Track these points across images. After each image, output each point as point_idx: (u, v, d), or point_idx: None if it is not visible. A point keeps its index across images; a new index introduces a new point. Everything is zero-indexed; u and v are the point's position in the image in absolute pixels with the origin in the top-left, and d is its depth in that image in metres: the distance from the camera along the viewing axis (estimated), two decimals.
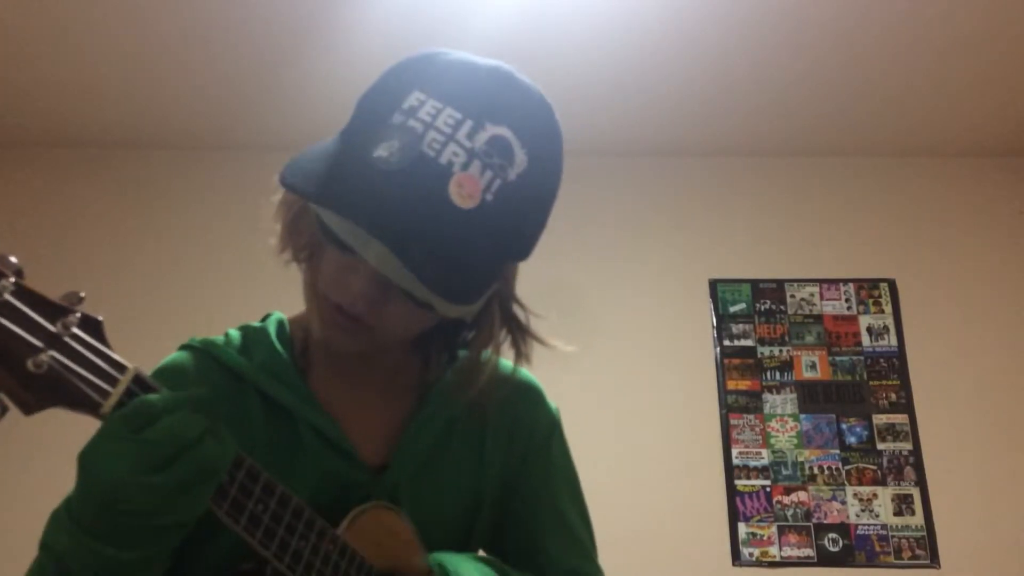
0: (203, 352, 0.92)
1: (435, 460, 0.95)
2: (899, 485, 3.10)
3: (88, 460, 0.65)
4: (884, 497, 3.09)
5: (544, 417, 1.04)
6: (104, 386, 0.65)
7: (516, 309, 0.92)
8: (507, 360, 0.97)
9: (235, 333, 0.96)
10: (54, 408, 0.63)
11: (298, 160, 0.78)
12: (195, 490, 0.66)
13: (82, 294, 0.64)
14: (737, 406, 3.21)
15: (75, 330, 0.64)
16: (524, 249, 0.84)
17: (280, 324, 0.97)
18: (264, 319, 0.99)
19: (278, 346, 0.93)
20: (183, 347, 0.94)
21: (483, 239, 0.77)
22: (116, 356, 0.66)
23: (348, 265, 0.80)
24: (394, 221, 0.72)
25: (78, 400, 0.64)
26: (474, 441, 0.99)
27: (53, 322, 0.62)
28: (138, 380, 0.67)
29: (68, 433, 0.67)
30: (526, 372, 1.01)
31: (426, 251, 0.73)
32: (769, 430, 3.17)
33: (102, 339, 0.66)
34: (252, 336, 0.95)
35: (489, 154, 0.76)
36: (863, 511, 3.07)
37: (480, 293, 0.82)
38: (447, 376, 0.98)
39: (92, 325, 0.65)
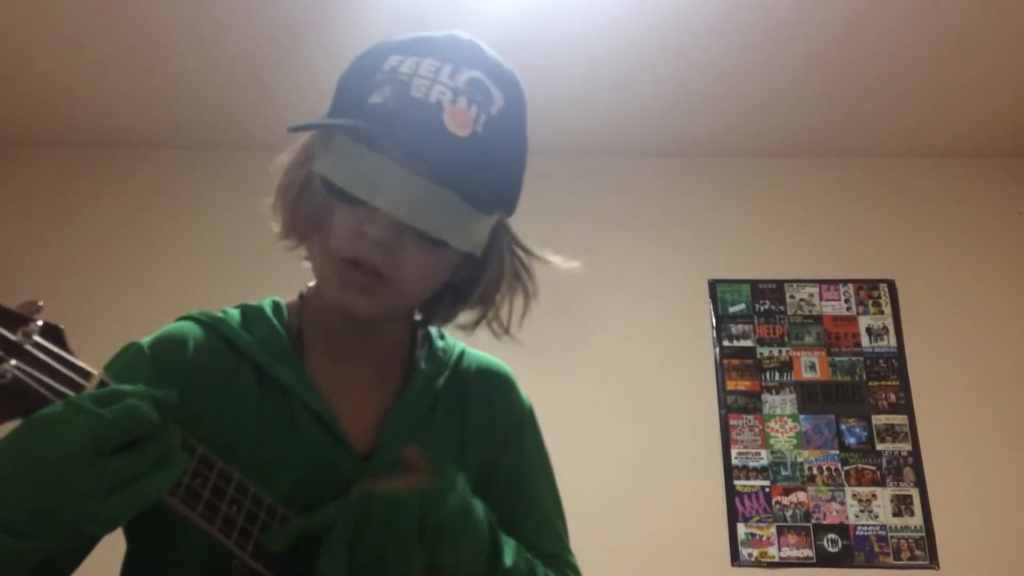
0: (205, 324, 0.93)
1: (417, 445, 0.95)
2: (898, 486, 3.09)
3: (40, 423, 0.60)
4: (883, 498, 3.08)
5: (518, 404, 1.06)
6: (69, 393, 0.64)
7: (518, 250, 0.95)
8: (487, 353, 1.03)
9: (233, 311, 0.96)
10: (18, 419, 0.62)
11: (296, 123, 0.84)
12: (131, 488, 0.62)
13: (40, 302, 0.63)
14: (736, 406, 3.20)
15: (36, 338, 0.63)
16: (511, 192, 0.89)
17: (276, 305, 0.99)
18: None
19: (277, 325, 0.94)
20: (185, 317, 0.94)
21: (480, 168, 0.81)
22: (80, 363, 0.66)
23: (360, 218, 0.81)
24: (403, 135, 0.78)
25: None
26: (454, 427, 1.00)
27: (13, 331, 0.61)
28: (104, 386, 0.66)
29: None
30: (501, 362, 1.05)
31: (434, 162, 0.79)
32: (768, 431, 3.17)
33: (64, 347, 0.65)
34: (251, 314, 0.96)
35: (471, 92, 0.82)
36: (862, 512, 3.06)
37: (490, 206, 0.85)
38: (425, 363, 1.00)
39: (53, 333, 0.64)
